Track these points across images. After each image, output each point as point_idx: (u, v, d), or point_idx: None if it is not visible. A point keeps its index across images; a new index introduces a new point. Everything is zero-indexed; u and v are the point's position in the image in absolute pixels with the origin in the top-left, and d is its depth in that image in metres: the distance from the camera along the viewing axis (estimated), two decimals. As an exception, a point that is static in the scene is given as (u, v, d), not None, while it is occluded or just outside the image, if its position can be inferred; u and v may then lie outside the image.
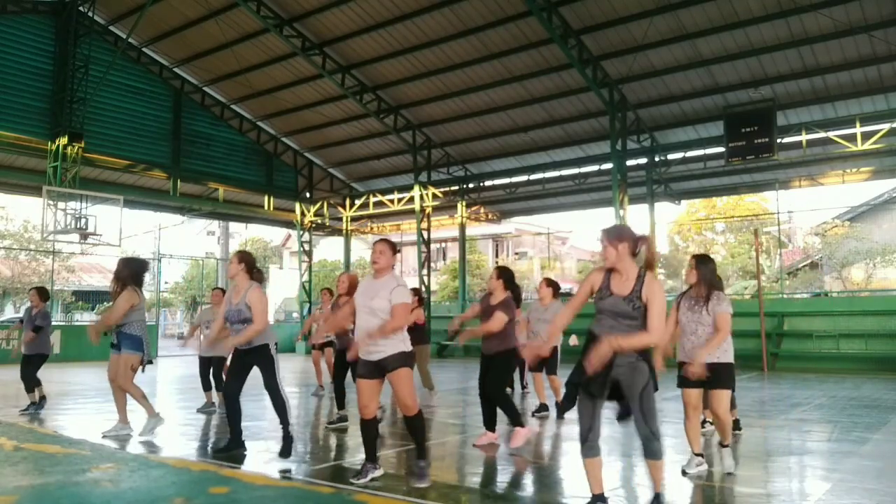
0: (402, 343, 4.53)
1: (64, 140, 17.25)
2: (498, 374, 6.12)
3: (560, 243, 39.92)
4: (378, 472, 4.75)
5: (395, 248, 4.75)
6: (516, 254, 40.13)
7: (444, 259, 38.89)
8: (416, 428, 4.58)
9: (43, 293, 8.35)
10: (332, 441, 6.55)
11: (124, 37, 18.63)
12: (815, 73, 15.24)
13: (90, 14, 18.08)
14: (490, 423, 6.11)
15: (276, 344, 5.61)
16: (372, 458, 4.74)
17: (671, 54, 15.70)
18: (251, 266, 5.61)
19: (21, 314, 32.58)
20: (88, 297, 34.93)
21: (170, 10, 17.87)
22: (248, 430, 7.14)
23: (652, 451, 3.71)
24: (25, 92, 17.65)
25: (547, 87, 17.73)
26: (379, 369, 4.54)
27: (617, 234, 3.76)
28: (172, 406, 9.12)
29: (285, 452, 5.40)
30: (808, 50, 14.69)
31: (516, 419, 6.08)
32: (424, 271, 21.68)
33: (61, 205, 17.12)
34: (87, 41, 17.87)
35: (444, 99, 19.09)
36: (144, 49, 19.92)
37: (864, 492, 4.51)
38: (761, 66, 15.41)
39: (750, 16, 14.11)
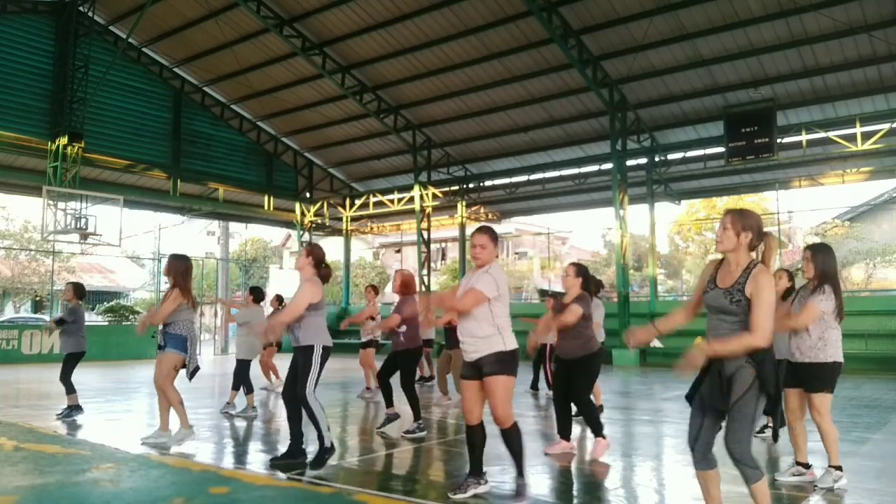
0: (501, 342, 4.15)
1: (64, 140, 17.25)
2: (582, 380, 5.79)
3: (560, 243, 39.92)
4: (483, 488, 4.25)
5: (491, 235, 4.36)
6: (516, 254, 40.08)
7: (444, 259, 38.87)
8: (510, 441, 4.19)
9: (78, 289, 7.94)
10: (334, 441, 6.53)
11: (124, 37, 18.64)
12: (815, 73, 15.24)
13: (90, 14, 18.08)
14: (565, 432, 5.81)
15: (324, 348, 5.25)
16: (475, 470, 4.27)
17: (671, 54, 15.69)
18: (318, 261, 5.32)
19: (21, 314, 32.35)
20: (89, 298, 34.87)
21: (170, 10, 17.87)
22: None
23: (743, 476, 3.22)
24: (25, 92, 17.65)
25: (547, 87, 17.72)
26: (478, 370, 4.22)
27: (742, 220, 3.24)
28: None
29: (316, 464, 5.02)
30: (808, 50, 14.69)
31: (598, 429, 5.68)
32: (424, 271, 21.68)
33: (61, 205, 17.13)
34: (87, 41, 17.87)
35: (444, 99, 19.08)
36: (144, 49, 19.92)
37: (864, 492, 4.50)
38: (761, 66, 15.40)
39: (750, 16, 14.11)
